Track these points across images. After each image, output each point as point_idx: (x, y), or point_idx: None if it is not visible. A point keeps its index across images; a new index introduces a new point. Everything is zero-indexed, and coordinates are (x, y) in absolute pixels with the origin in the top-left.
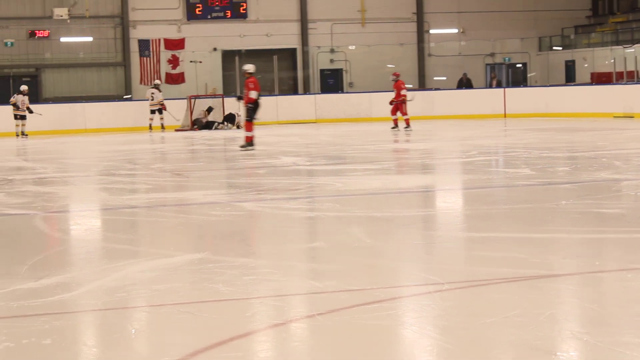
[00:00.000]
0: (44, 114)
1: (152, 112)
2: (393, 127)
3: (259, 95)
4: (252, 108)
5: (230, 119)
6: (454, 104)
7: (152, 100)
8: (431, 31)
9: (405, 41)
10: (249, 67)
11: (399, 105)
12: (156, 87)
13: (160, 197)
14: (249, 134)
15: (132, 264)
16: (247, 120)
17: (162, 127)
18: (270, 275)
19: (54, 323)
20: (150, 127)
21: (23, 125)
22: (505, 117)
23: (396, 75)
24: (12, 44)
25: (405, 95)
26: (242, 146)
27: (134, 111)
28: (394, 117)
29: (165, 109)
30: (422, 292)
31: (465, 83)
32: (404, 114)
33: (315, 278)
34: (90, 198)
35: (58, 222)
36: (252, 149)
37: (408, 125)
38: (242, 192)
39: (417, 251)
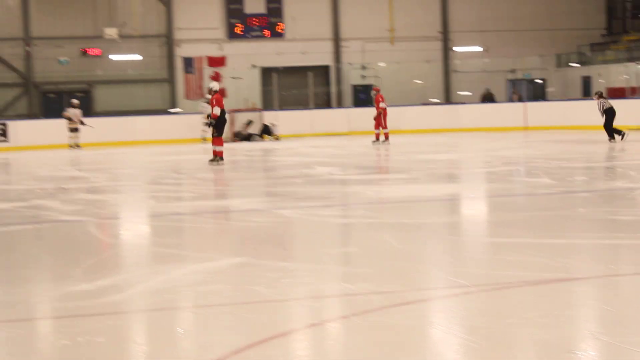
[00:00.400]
0: (95, 127)
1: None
2: (374, 141)
3: (223, 111)
4: (216, 124)
5: (267, 131)
6: (478, 117)
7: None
8: (456, 49)
9: (431, 58)
10: (214, 85)
11: (378, 118)
12: (207, 101)
13: (204, 205)
14: (218, 148)
15: (178, 267)
16: (214, 136)
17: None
18: (307, 278)
19: (106, 322)
20: (204, 139)
21: (77, 137)
22: (526, 129)
23: (376, 90)
24: (66, 61)
25: (384, 109)
26: (211, 160)
27: (180, 124)
28: (376, 131)
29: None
30: (449, 294)
31: (488, 97)
32: (384, 127)
33: (349, 281)
34: (139, 205)
35: (109, 228)
36: (222, 164)
37: (387, 138)
38: (280, 200)
39: (444, 256)
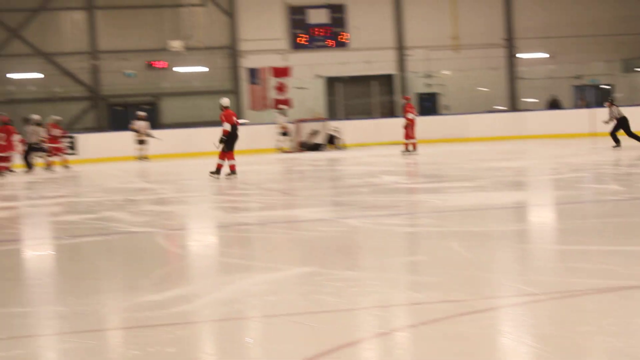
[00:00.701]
0: (163, 139)
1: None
2: (403, 151)
3: (234, 127)
4: (226, 139)
5: (332, 140)
6: (544, 124)
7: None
8: (521, 56)
9: (496, 65)
10: (224, 101)
11: (407, 128)
12: (281, 112)
13: (270, 215)
14: (220, 161)
15: (246, 277)
16: (223, 151)
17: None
18: (375, 287)
19: (176, 332)
20: (281, 149)
21: (144, 149)
22: (593, 135)
23: (406, 99)
24: (132, 74)
25: (412, 119)
26: (211, 172)
27: (246, 135)
28: (406, 141)
29: (288, 133)
30: (518, 302)
31: (554, 104)
32: (412, 137)
33: (417, 289)
34: (207, 216)
35: (177, 239)
36: (217, 177)
37: (415, 148)
38: (347, 209)
39: (512, 263)
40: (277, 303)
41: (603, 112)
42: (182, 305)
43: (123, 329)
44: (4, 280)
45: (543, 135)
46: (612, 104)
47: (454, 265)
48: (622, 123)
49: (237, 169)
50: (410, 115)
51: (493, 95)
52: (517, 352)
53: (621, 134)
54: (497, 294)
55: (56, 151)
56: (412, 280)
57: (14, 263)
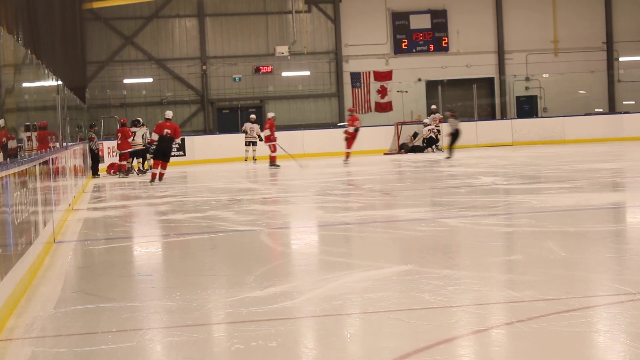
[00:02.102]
0: (286, 149)
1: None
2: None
3: (161, 137)
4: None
5: (430, 142)
6: None
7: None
8: (620, 59)
9: (595, 68)
10: (167, 114)
11: (348, 140)
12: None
13: (370, 215)
14: (154, 170)
15: (346, 275)
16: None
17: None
18: (472, 285)
19: (278, 328)
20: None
21: (254, 150)
22: None
23: (350, 110)
24: (240, 79)
25: (353, 133)
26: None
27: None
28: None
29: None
30: (615, 301)
31: None
32: (349, 147)
33: (514, 288)
34: (309, 215)
35: (281, 237)
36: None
37: (347, 158)
38: (445, 209)
39: (609, 263)
40: (376, 300)
41: None
42: (284, 301)
43: (227, 323)
44: (115, 276)
45: None
46: (452, 115)
47: (551, 265)
48: (455, 135)
49: (339, 170)
50: (351, 129)
51: (592, 98)
52: (613, 350)
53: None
54: (593, 293)
55: None
56: (509, 279)
57: (124, 259)
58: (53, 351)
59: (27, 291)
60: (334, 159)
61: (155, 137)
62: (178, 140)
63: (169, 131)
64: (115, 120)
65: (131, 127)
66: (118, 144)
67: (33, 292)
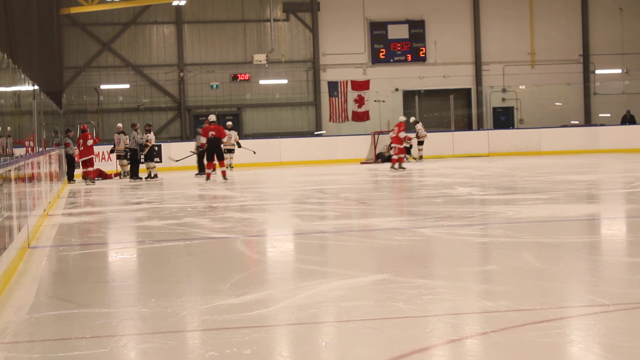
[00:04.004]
0: (255, 150)
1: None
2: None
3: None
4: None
5: (407, 152)
6: (618, 139)
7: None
8: (597, 71)
9: (571, 81)
10: (211, 117)
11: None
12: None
13: (346, 223)
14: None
15: (321, 283)
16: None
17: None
18: (447, 295)
19: (253, 335)
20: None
21: (231, 158)
22: None
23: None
24: (217, 86)
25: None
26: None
27: (322, 146)
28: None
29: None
30: (589, 312)
31: (629, 119)
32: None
33: (489, 298)
34: (285, 224)
35: (256, 245)
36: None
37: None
38: (421, 219)
39: (583, 274)
40: (351, 309)
41: None
42: (259, 309)
43: (202, 330)
44: (90, 282)
45: (617, 149)
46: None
47: (525, 275)
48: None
49: (315, 179)
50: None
51: (568, 110)
52: None
53: None
54: (567, 304)
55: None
56: (484, 289)
57: (99, 265)
58: (26, 357)
59: (0, 296)
60: (311, 167)
61: (203, 140)
62: (226, 139)
63: (213, 133)
64: (91, 126)
65: (120, 133)
66: (81, 151)
67: (6, 298)
